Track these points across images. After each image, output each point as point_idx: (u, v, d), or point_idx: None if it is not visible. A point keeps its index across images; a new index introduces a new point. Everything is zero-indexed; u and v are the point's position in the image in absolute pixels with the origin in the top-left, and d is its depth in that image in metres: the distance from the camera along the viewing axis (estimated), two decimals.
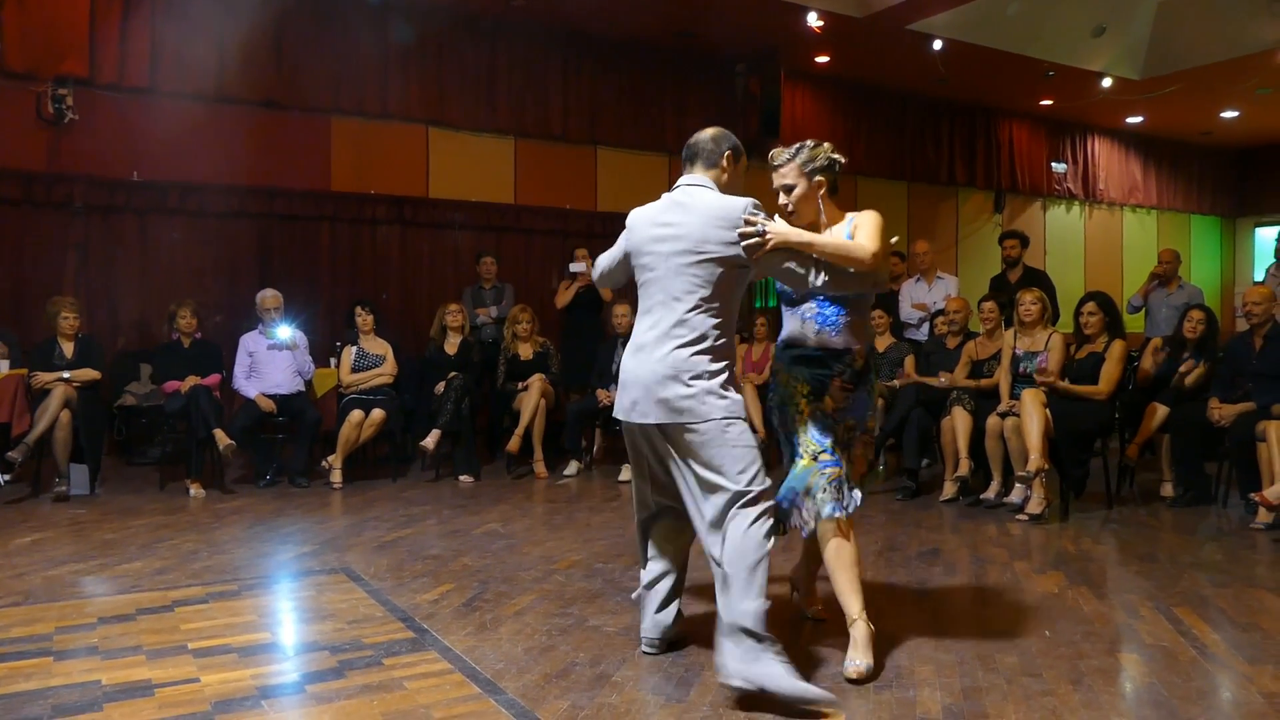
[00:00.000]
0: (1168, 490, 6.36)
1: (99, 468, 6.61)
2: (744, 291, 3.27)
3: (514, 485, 7.03)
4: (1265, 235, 15.20)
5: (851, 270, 3.16)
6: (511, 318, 7.77)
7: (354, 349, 7.36)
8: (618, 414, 3.23)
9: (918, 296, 8.09)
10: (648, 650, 3.37)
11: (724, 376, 3.08)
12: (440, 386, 7.28)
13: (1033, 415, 5.70)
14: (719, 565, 3.00)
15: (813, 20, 8.93)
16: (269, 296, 7.26)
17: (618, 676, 3.16)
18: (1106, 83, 11.03)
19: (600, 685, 3.09)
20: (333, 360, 7.61)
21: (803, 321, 3.39)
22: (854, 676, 3.11)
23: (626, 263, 3.36)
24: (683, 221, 3.12)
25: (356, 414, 7.00)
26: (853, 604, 3.25)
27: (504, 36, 9.49)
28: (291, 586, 4.39)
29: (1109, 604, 4.05)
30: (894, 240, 3.24)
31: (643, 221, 3.26)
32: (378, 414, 7.05)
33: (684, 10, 9.11)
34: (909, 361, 7.27)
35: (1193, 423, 6.12)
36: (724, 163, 3.28)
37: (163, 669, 3.20)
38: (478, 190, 9.54)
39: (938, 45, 9.68)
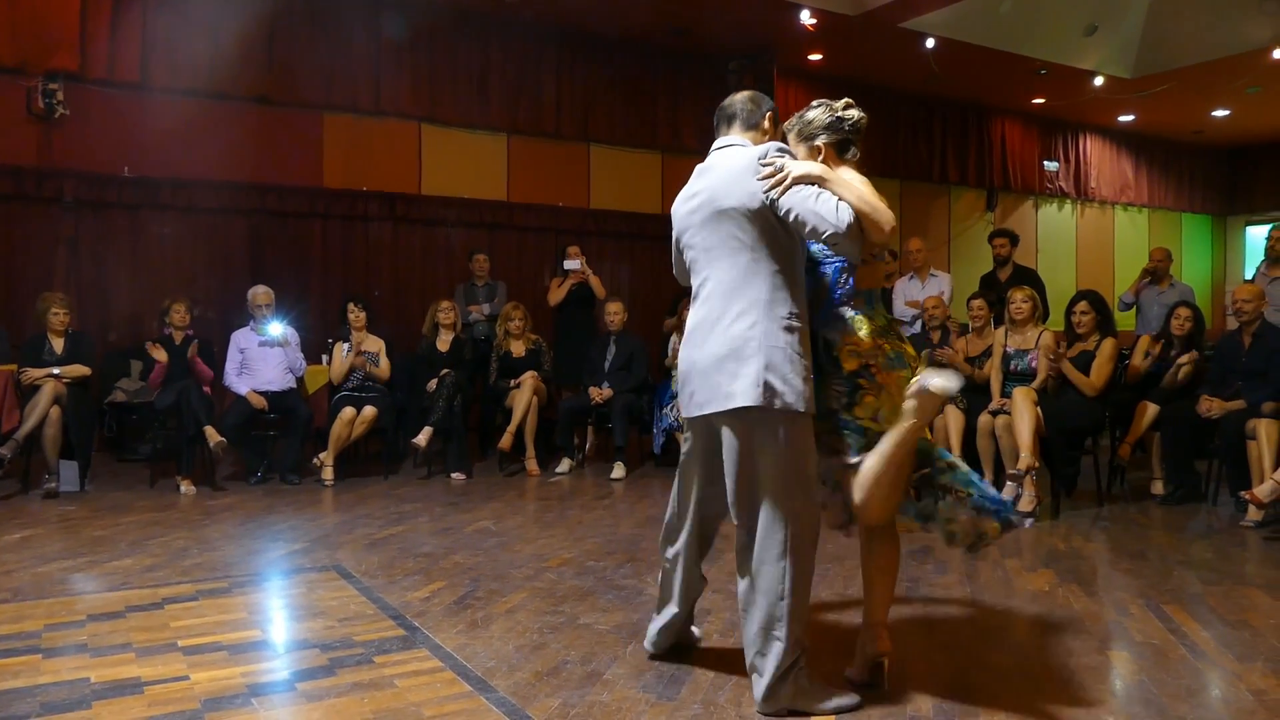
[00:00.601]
0: (1158, 488, 6.39)
1: (89, 464, 6.59)
2: (804, 254, 2.98)
3: (506, 483, 7.02)
4: (1256, 234, 15.24)
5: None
6: (504, 315, 7.77)
7: (346, 346, 7.35)
8: (683, 412, 3.02)
9: (911, 294, 8.09)
10: (650, 652, 3.35)
11: (788, 358, 2.79)
12: (432, 384, 7.27)
13: (1023, 413, 5.71)
14: (741, 594, 2.91)
15: (806, 18, 8.93)
16: (260, 293, 7.24)
17: (609, 674, 3.16)
18: (1098, 81, 11.05)
19: (591, 683, 3.08)
20: (324, 357, 7.60)
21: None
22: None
23: (679, 251, 3.12)
24: (707, 185, 2.95)
25: (348, 411, 6.98)
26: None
27: (497, 33, 9.47)
28: (282, 584, 4.38)
29: (1099, 601, 4.06)
30: None
31: (678, 202, 3.08)
32: (369, 411, 7.04)
33: (678, 7, 9.10)
34: None
35: (1183, 420, 6.15)
36: (765, 124, 3.08)
37: (152, 667, 3.19)
38: (470, 187, 9.53)
39: (930, 43, 9.69)
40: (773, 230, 2.85)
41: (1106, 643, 3.52)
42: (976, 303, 6.73)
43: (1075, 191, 14.08)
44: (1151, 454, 6.49)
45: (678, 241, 3.11)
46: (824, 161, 3.03)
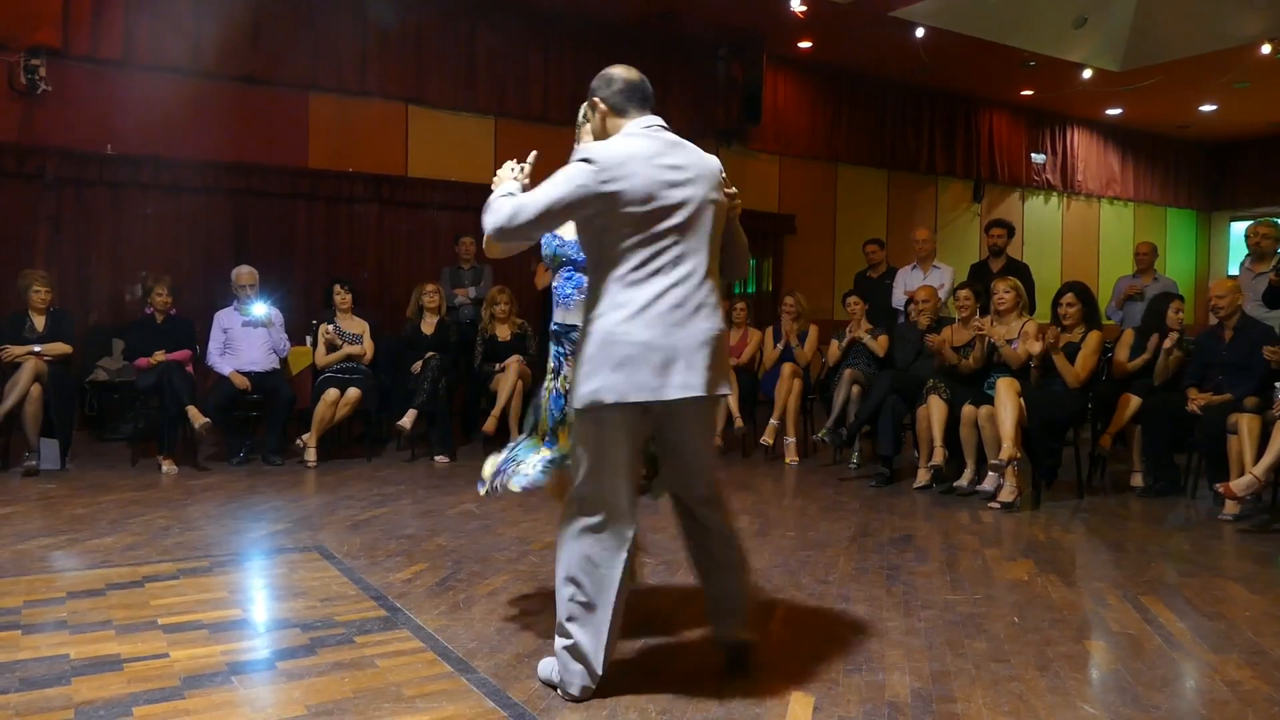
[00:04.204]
0: (1138, 480, 6.42)
1: (69, 442, 6.55)
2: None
3: None
4: (1240, 229, 15.32)
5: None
6: (490, 299, 7.75)
7: (330, 327, 7.32)
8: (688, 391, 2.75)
9: (912, 284, 8.00)
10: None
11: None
12: (417, 366, 7.26)
13: (1007, 404, 5.74)
14: None
15: (796, 5, 8.91)
16: (244, 273, 7.21)
17: None
18: (1086, 74, 11.08)
19: None
20: (308, 338, 7.56)
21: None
22: None
23: (595, 206, 2.74)
24: (694, 166, 2.84)
25: (332, 392, 6.96)
26: None
27: (485, 15, 9.43)
28: (264, 564, 4.37)
29: (1077, 592, 4.09)
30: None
31: (654, 165, 2.77)
32: (353, 393, 7.01)
33: None
34: (882, 340, 7.33)
35: (1164, 413, 6.18)
36: None
37: (132, 644, 3.18)
38: (457, 170, 9.49)
39: (920, 33, 9.68)
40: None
41: (1084, 632, 3.55)
42: (963, 293, 6.75)
43: (1062, 184, 14.14)
44: (1132, 446, 6.53)
45: (616, 198, 2.72)
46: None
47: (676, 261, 2.75)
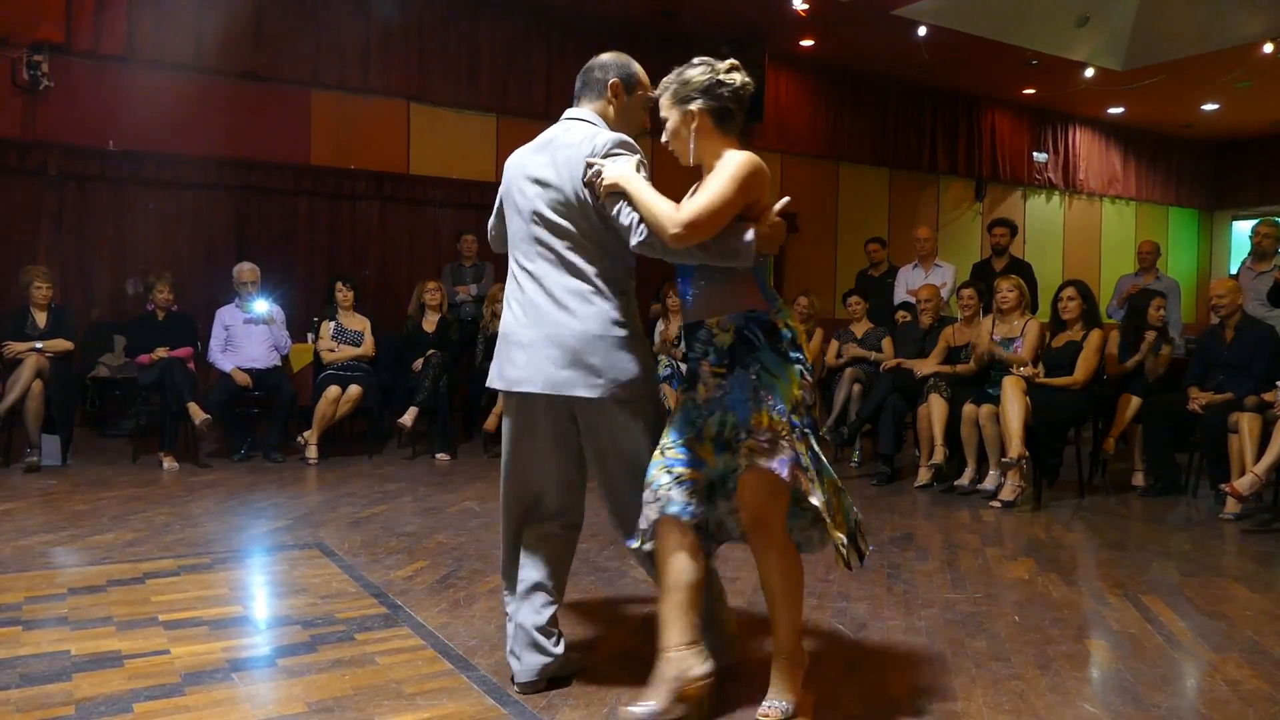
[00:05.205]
0: (1139, 480, 6.43)
1: (71, 439, 6.56)
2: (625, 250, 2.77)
3: (490, 463, 7.01)
4: (1242, 228, 15.31)
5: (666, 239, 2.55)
6: (491, 296, 7.74)
7: (332, 324, 7.33)
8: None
9: (914, 283, 8.00)
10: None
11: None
12: (418, 364, 7.26)
13: (1014, 402, 5.73)
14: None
15: (798, 3, 8.90)
16: (246, 270, 7.21)
17: (591, 655, 3.16)
18: (1089, 73, 11.06)
19: None
20: (310, 335, 7.57)
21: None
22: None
23: (502, 214, 2.96)
24: (551, 162, 2.78)
25: (333, 389, 6.96)
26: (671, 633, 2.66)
27: (487, 12, 9.42)
28: (264, 561, 4.38)
29: (1078, 591, 4.09)
30: (783, 202, 2.64)
31: (510, 165, 2.93)
32: (354, 390, 7.02)
33: None
34: (886, 344, 7.31)
35: (1164, 413, 6.18)
36: (609, 93, 2.87)
37: (132, 640, 3.18)
38: (459, 167, 9.49)
39: (922, 31, 9.67)
40: (595, 226, 2.73)
41: (1084, 631, 3.55)
42: (966, 291, 6.75)
43: (1064, 183, 14.11)
44: (1133, 446, 6.53)
45: (501, 203, 2.95)
46: (697, 130, 2.72)
47: (529, 258, 2.81)
